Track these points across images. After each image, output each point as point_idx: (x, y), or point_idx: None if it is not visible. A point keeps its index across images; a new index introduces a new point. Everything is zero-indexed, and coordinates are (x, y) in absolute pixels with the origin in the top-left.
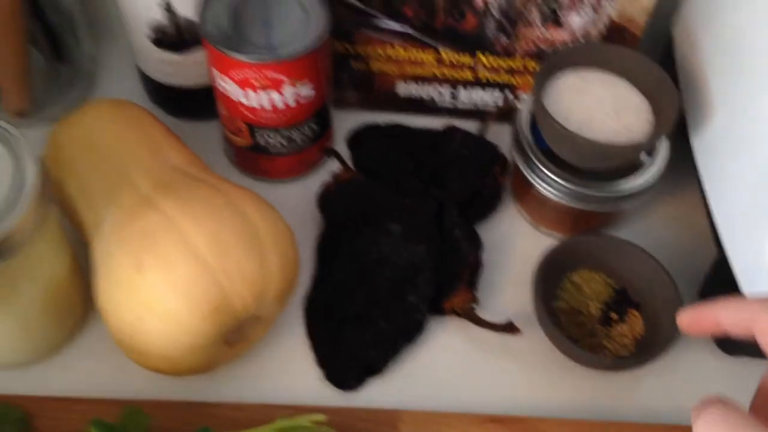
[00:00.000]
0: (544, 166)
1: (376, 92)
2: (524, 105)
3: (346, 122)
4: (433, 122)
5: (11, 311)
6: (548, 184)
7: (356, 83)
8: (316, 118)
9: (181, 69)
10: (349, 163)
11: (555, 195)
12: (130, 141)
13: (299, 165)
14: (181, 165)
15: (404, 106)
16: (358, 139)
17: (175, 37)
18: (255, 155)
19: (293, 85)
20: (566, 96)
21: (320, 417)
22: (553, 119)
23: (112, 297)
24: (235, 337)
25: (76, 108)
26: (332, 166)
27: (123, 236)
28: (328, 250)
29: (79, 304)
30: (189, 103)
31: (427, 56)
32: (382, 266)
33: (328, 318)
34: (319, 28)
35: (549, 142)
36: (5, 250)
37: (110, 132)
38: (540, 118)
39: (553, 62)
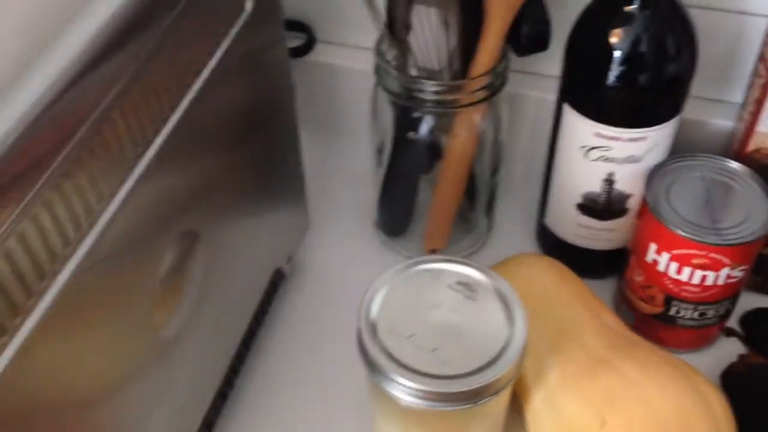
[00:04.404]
0: None
1: None
2: None
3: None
4: None
5: None
6: None
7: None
8: (733, 298)
9: (595, 234)
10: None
11: None
12: (568, 297)
13: (697, 339)
14: (615, 326)
15: None
16: (752, 320)
17: (604, 207)
18: (658, 323)
19: (732, 267)
20: None
21: None
22: None
23: None
24: None
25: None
26: (724, 344)
27: (581, 390)
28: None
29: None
30: (589, 263)
31: None
32: None
33: None
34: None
35: None
36: (486, 394)
37: (549, 285)
38: None
39: None
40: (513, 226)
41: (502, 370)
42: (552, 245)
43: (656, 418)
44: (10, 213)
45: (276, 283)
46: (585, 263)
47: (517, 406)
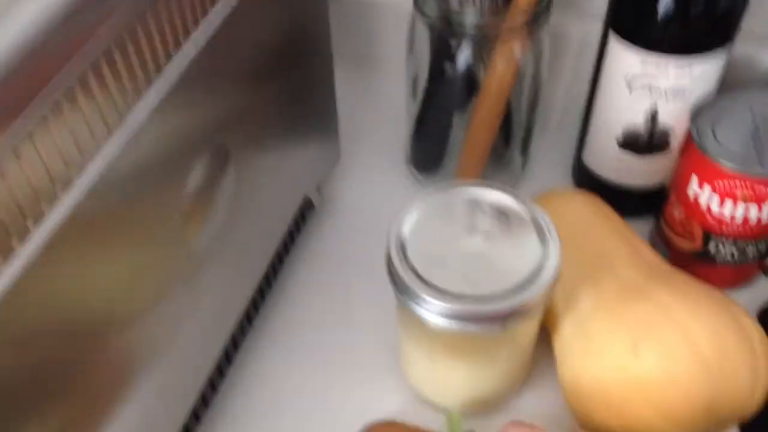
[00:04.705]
0: None
1: None
2: None
3: None
4: None
5: (480, 367)
6: None
7: None
8: None
9: (635, 170)
10: None
11: None
12: (604, 230)
13: (735, 277)
14: (652, 258)
15: None
16: None
17: (646, 142)
18: (696, 260)
19: None
20: None
21: None
22: None
23: (594, 371)
24: None
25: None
26: (762, 284)
27: (614, 317)
28: None
29: (528, 369)
30: (626, 201)
31: None
32: None
33: None
34: None
35: None
36: (515, 318)
37: (585, 219)
38: None
39: None
40: (548, 165)
41: (534, 294)
42: (589, 183)
43: (691, 344)
44: (29, 117)
45: (305, 213)
46: (622, 201)
47: (545, 341)
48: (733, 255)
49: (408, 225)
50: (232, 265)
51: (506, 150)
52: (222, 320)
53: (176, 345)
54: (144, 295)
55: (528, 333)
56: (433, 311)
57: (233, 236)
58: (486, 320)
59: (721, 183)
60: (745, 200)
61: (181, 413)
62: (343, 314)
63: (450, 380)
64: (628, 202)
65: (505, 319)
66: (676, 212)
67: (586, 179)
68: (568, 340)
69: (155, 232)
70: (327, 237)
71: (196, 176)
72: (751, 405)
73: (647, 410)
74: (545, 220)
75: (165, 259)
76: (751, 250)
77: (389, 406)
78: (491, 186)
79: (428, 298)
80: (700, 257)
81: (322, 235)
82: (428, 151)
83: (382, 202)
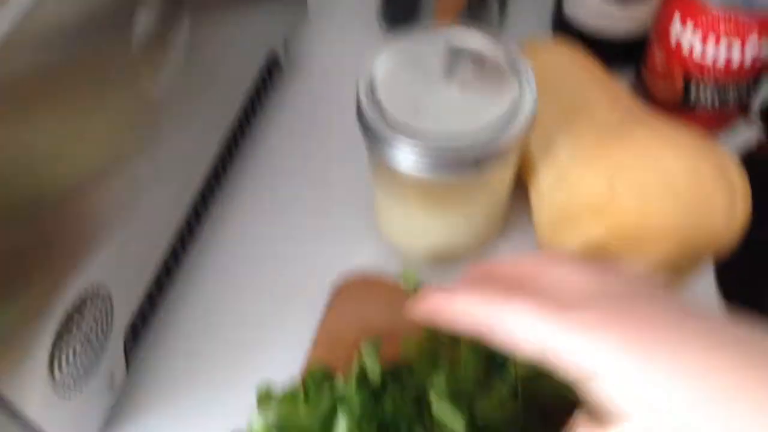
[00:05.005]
0: None
1: None
2: None
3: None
4: None
5: (456, 215)
6: None
7: None
8: (755, 82)
9: (616, 19)
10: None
11: None
12: (583, 79)
13: (715, 123)
14: (633, 105)
15: None
16: None
17: None
18: (677, 108)
19: (760, 39)
20: None
21: None
22: None
23: (572, 212)
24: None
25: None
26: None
27: (591, 159)
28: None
29: (503, 218)
30: (608, 52)
31: None
32: None
33: (751, 282)
34: None
35: None
36: (489, 162)
37: (564, 67)
38: None
39: None
40: (527, 16)
41: (508, 135)
42: (570, 33)
43: (669, 182)
44: None
45: (272, 71)
46: (604, 52)
47: (522, 192)
48: (713, 101)
49: (380, 69)
50: (195, 118)
51: (484, 2)
52: (188, 178)
53: (140, 208)
54: (105, 151)
55: (503, 181)
56: (405, 157)
57: (193, 87)
58: (460, 164)
59: (704, 18)
60: (728, 35)
61: (151, 269)
62: (318, 172)
63: (426, 232)
64: (610, 53)
65: (479, 162)
66: (657, 59)
67: (566, 30)
68: (545, 187)
69: (106, 81)
70: (298, 98)
71: (144, 21)
72: (725, 238)
73: (624, 250)
74: (522, 64)
75: (121, 110)
76: (732, 95)
77: (364, 258)
78: (468, 28)
79: (399, 144)
80: (681, 105)
81: (292, 95)
82: (399, 3)
83: (353, 61)
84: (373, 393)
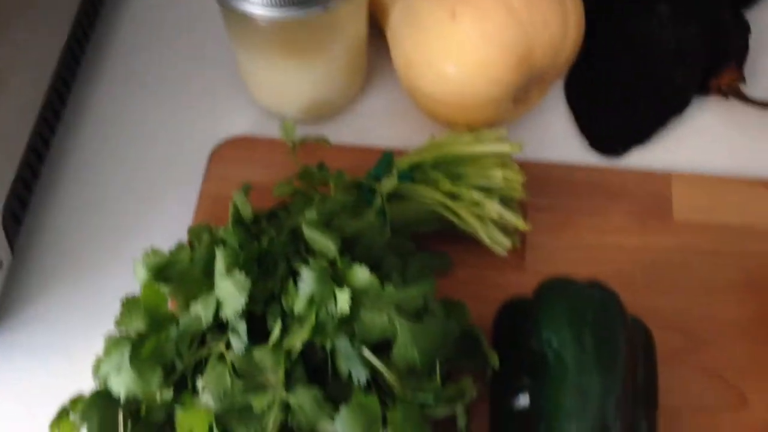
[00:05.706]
0: None
1: None
2: None
3: None
4: None
5: (317, 64)
6: None
7: None
8: None
9: None
10: None
11: None
12: None
13: None
14: None
15: None
16: None
17: None
18: None
19: None
20: None
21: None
22: None
23: (422, 47)
24: (521, 95)
25: None
26: None
27: None
28: (591, 27)
29: (365, 66)
30: None
31: None
32: (649, 45)
33: (591, 89)
34: None
35: None
36: None
37: None
38: None
39: None
40: None
41: None
42: None
43: (506, 4)
44: None
45: None
46: None
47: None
48: None
49: None
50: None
51: None
52: (44, 58)
53: None
54: None
55: (356, 22)
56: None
57: None
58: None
59: None
60: None
61: (18, 153)
62: (184, 48)
63: (290, 85)
64: None
65: None
66: None
67: None
68: (397, 24)
69: None
70: None
71: None
72: (563, 51)
73: (469, 73)
74: None
75: None
76: None
77: (241, 126)
78: None
79: None
80: None
81: None
82: None
83: None
84: (250, 233)
